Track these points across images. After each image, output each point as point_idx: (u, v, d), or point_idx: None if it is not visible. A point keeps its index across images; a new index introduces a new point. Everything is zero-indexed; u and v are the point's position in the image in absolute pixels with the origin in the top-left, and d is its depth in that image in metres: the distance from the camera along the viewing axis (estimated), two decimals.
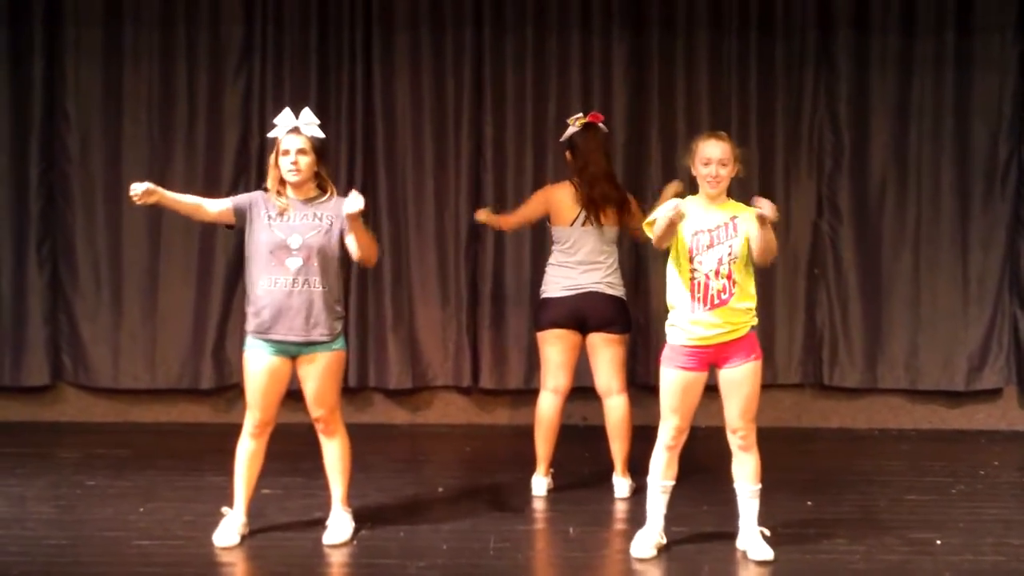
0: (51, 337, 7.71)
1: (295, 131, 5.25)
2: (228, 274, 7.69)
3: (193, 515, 5.66)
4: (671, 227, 4.96)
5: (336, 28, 7.64)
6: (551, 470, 6.21)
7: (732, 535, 5.33)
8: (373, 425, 7.63)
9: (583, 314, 6.06)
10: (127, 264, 7.69)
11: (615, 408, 6.14)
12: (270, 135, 5.35)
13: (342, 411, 5.45)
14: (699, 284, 5.03)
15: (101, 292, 7.71)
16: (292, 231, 5.21)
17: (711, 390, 5.25)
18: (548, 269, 6.20)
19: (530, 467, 6.20)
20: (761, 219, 4.93)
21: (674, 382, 5.10)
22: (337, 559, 5.22)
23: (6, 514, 5.73)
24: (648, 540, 5.18)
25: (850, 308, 7.72)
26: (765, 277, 5.22)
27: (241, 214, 5.29)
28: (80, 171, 7.68)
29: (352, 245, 5.25)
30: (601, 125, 6.20)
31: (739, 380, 5.09)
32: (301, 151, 5.23)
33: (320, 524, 5.45)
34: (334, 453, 5.42)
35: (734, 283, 5.03)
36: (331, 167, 5.61)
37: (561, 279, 6.10)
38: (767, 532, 5.20)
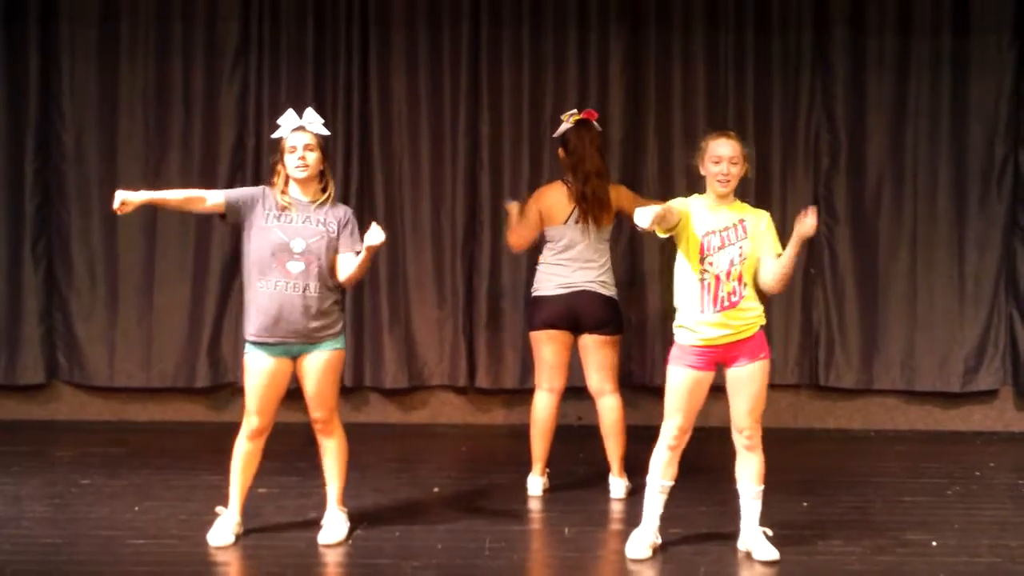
0: (46, 335, 7.70)
1: (300, 129, 5.25)
2: (223, 272, 7.68)
3: (188, 514, 5.65)
4: (663, 220, 4.94)
5: (332, 25, 7.63)
6: (547, 470, 6.21)
7: (728, 536, 5.33)
8: (369, 425, 7.62)
9: (576, 314, 6.05)
10: (122, 262, 7.68)
11: (609, 409, 6.13)
12: (274, 135, 5.33)
13: (340, 411, 5.44)
14: (709, 285, 5.03)
15: (96, 290, 7.69)
16: (295, 234, 5.20)
17: (715, 389, 5.23)
18: (540, 268, 6.18)
19: (526, 467, 6.20)
20: (802, 236, 4.94)
21: (681, 381, 5.09)
22: (332, 559, 5.21)
23: (0, 513, 5.71)
24: (643, 540, 5.18)
25: (846, 309, 7.72)
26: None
27: (235, 209, 5.24)
28: (75, 169, 7.66)
29: (346, 267, 5.21)
30: (595, 123, 6.19)
31: (746, 379, 5.08)
32: (308, 147, 5.23)
33: (315, 524, 5.44)
34: (331, 452, 5.41)
35: (744, 285, 5.03)
36: (333, 166, 5.59)
37: (554, 277, 6.08)
38: (769, 532, 5.20)
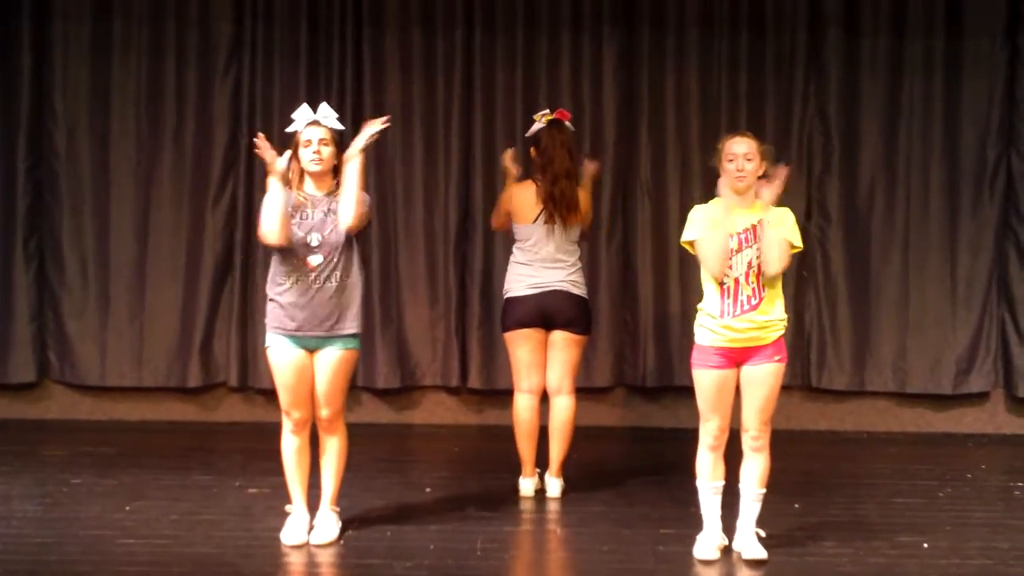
0: (37, 334, 7.68)
1: (315, 123, 5.24)
2: (216, 272, 7.66)
3: (179, 514, 5.65)
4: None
5: (326, 26, 7.63)
6: (537, 470, 6.20)
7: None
8: (361, 425, 7.56)
9: (548, 312, 6.04)
10: (114, 261, 7.66)
11: (562, 409, 6.12)
12: (288, 129, 5.32)
13: (345, 411, 5.44)
14: (728, 289, 5.05)
15: (88, 289, 7.68)
16: (311, 228, 5.21)
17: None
18: (510, 268, 6.17)
19: (518, 467, 6.18)
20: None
21: (709, 383, 5.10)
22: (324, 559, 5.20)
23: None
24: (710, 543, 5.18)
25: (838, 311, 7.72)
26: None
27: None
28: (67, 167, 7.65)
29: (347, 203, 5.15)
30: (567, 123, 6.19)
31: (759, 379, 5.09)
32: (323, 141, 5.23)
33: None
34: (331, 452, 5.41)
35: (763, 288, 5.04)
36: None
37: (524, 277, 6.07)
38: (762, 533, 5.20)
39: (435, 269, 7.70)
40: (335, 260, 5.22)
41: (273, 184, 5.17)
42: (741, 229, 5.08)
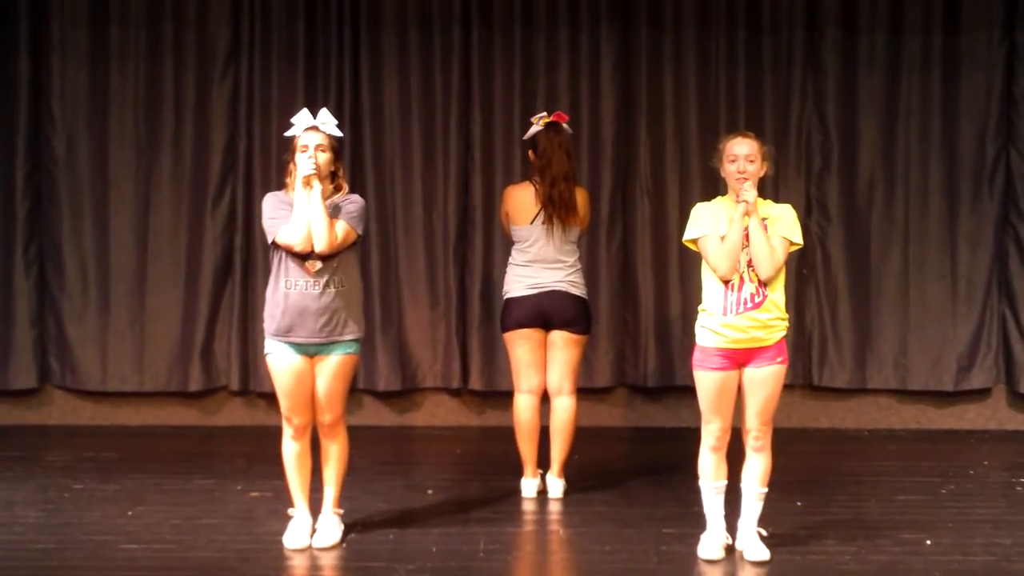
0: (38, 339, 7.68)
1: (313, 129, 5.24)
2: (216, 276, 7.66)
3: (181, 519, 5.64)
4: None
5: (324, 28, 7.62)
6: (539, 471, 6.20)
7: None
8: (362, 427, 7.58)
9: (547, 312, 6.05)
10: (114, 266, 7.66)
11: (563, 409, 6.13)
12: (287, 134, 5.32)
13: (346, 415, 5.44)
14: (732, 287, 5.03)
15: (88, 294, 7.67)
16: None
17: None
18: (509, 269, 6.18)
19: (520, 468, 6.18)
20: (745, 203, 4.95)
21: (711, 384, 5.09)
22: (326, 562, 5.20)
23: None
24: (715, 542, 5.17)
25: (839, 308, 7.72)
26: None
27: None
28: (66, 172, 7.65)
29: (317, 229, 5.11)
30: (565, 125, 6.19)
31: (761, 380, 5.08)
32: (320, 147, 5.22)
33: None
34: (333, 456, 5.40)
35: (765, 286, 5.03)
36: (347, 167, 5.58)
37: (523, 279, 6.08)
38: (764, 532, 5.20)
39: (435, 270, 7.70)
40: (334, 265, 5.21)
41: (300, 192, 5.14)
42: (744, 228, 5.06)
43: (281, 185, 5.41)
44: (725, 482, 5.20)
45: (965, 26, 7.58)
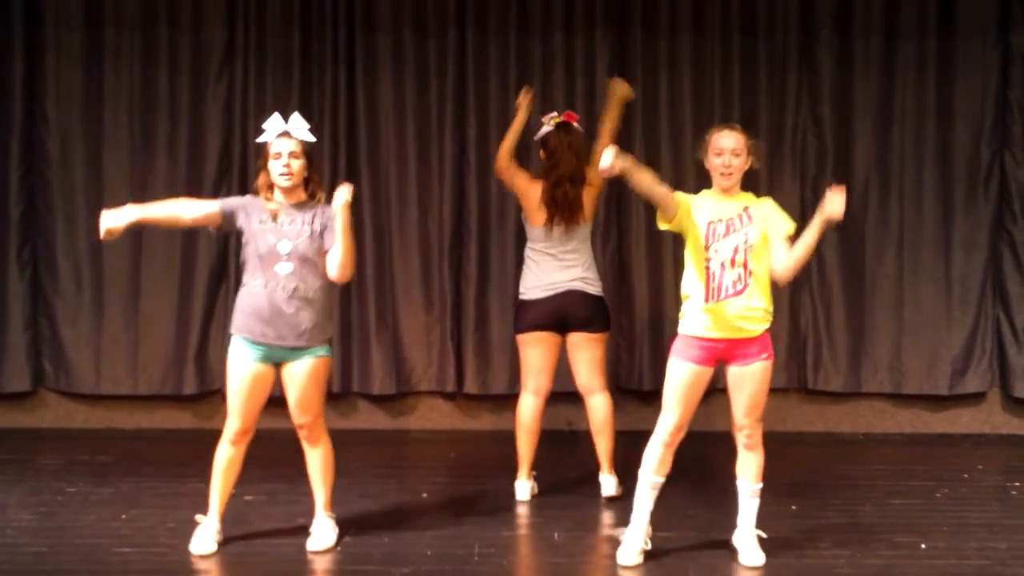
0: (32, 342, 7.66)
1: (285, 135, 5.22)
2: (211, 279, 7.65)
3: (175, 522, 5.62)
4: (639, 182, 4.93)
5: (319, 31, 7.61)
6: (534, 473, 6.20)
7: (719, 539, 5.33)
8: (357, 431, 7.60)
9: (563, 314, 6.05)
10: (108, 269, 7.64)
11: (598, 407, 6.13)
12: (259, 140, 5.31)
13: (325, 418, 5.42)
14: (713, 273, 5.02)
15: (82, 297, 7.66)
16: (282, 236, 5.18)
17: (707, 394, 5.22)
18: (524, 269, 6.20)
19: (515, 472, 6.18)
20: (829, 220, 4.89)
21: (682, 375, 5.07)
22: (321, 566, 5.20)
23: None
24: (633, 547, 5.17)
25: (833, 312, 7.72)
26: None
27: (230, 216, 5.24)
28: (60, 175, 7.63)
29: (333, 256, 5.16)
30: (575, 125, 6.19)
31: (747, 377, 5.08)
32: (293, 154, 5.20)
33: (304, 530, 5.42)
34: (317, 460, 5.39)
35: (749, 273, 5.02)
36: (321, 172, 5.55)
37: (538, 280, 6.09)
38: (763, 535, 5.20)
39: (430, 273, 7.69)
40: (304, 270, 5.18)
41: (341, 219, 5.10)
42: (728, 215, 5.05)
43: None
44: (663, 480, 5.17)
45: (960, 29, 7.59)
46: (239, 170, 7.59)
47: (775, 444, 7.23)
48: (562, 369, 6.25)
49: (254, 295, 5.19)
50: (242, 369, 5.24)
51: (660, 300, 7.65)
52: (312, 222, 5.21)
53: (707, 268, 5.02)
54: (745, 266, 5.02)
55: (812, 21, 7.64)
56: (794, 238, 5.11)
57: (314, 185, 5.28)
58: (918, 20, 7.60)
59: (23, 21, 7.56)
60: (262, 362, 5.23)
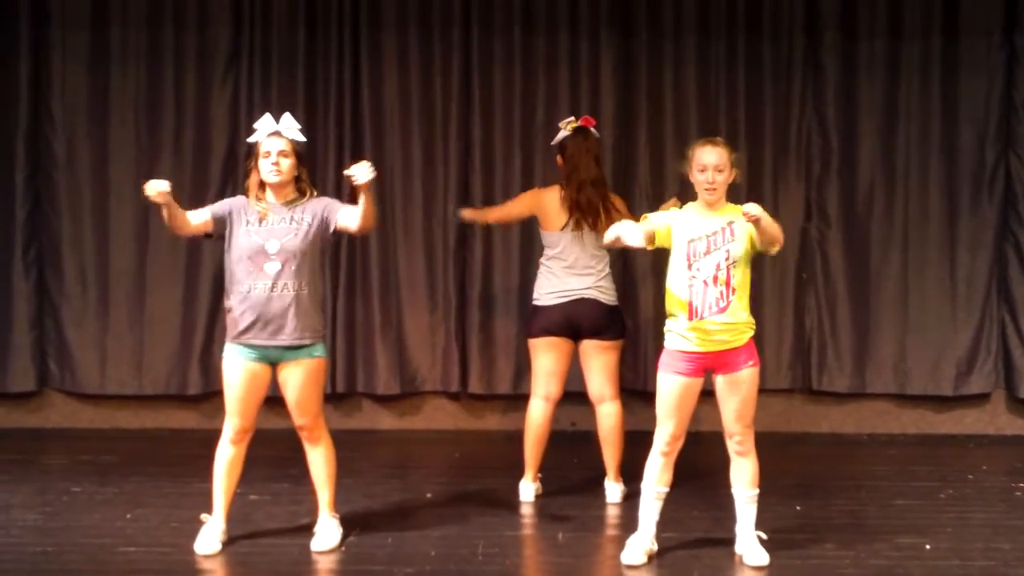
0: (37, 342, 7.67)
1: (276, 134, 5.24)
2: (215, 279, 7.65)
3: (180, 522, 5.63)
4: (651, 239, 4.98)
5: (324, 30, 7.62)
6: (539, 475, 6.20)
7: (722, 541, 5.33)
8: (361, 431, 7.60)
9: (576, 321, 6.05)
10: (114, 269, 7.66)
11: (608, 415, 6.13)
12: (250, 139, 5.33)
13: (325, 418, 5.43)
14: (696, 292, 5.02)
15: (88, 297, 7.67)
16: (270, 235, 5.19)
17: (707, 395, 5.23)
18: (539, 275, 6.19)
19: (519, 472, 6.19)
20: (753, 221, 4.91)
21: (672, 388, 5.09)
22: (325, 566, 5.20)
23: None
24: (639, 547, 5.17)
25: (838, 313, 7.72)
26: (753, 281, 5.22)
27: (220, 221, 5.27)
28: (66, 175, 7.64)
29: (353, 215, 5.18)
30: (593, 129, 6.19)
31: (735, 385, 5.08)
32: (282, 153, 5.22)
33: (307, 530, 5.43)
34: (319, 460, 5.39)
35: (732, 290, 5.02)
36: (311, 172, 5.57)
37: (553, 286, 6.09)
38: (764, 536, 5.20)
39: (434, 273, 7.69)
40: (292, 268, 5.19)
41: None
42: (710, 232, 5.05)
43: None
44: (667, 489, 5.19)
45: (964, 30, 7.58)
46: (244, 170, 7.58)
47: (780, 444, 7.28)
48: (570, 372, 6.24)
49: (243, 297, 5.19)
50: (236, 370, 5.25)
51: (664, 303, 7.62)
52: (300, 219, 5.22)
53: (690, 286, 5.03)
54: (728, 283, 5.02)
55: (817, 23, 7.63)
56: None
57: (303, 184, 5.29)
58: (923, 21, 7.60)
59: (29, 21, 7.57)
60: (256, 362, 5.24)
